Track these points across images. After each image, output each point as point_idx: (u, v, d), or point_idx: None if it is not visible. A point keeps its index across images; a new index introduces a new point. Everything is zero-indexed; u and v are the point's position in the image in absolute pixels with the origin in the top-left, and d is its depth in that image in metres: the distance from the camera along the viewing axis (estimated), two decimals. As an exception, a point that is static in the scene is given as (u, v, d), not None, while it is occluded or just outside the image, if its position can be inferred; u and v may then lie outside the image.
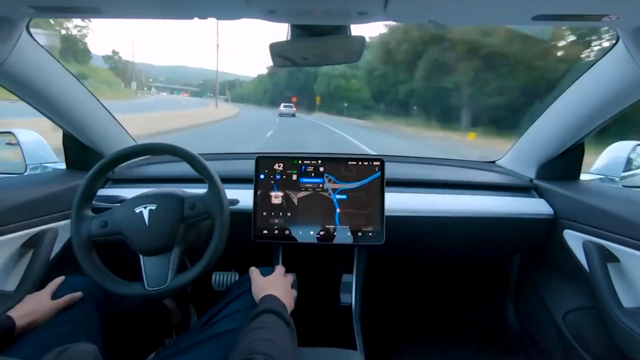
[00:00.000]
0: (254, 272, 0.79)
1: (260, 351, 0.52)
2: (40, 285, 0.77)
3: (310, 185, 0.99)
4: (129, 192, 0.87)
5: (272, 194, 0.98)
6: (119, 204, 0.85)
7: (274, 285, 0.74)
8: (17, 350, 0.62)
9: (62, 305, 0.71)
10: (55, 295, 0.73)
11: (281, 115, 22.24)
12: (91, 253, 0.79)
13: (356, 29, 0.72)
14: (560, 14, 0.61)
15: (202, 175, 0.83)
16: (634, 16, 0.63)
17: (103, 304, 0.80)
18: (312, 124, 18.32)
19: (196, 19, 0.66)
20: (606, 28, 0.76)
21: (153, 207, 0.80)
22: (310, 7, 0.61)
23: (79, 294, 0.74)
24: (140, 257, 0.80)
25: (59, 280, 0.78)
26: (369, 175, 0.98)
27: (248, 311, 0.66)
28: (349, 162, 0.99)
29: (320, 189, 0.99)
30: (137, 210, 0.80)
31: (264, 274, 0.79)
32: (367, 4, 0.59)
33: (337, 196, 0.98)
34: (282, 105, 24.08)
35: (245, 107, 39.38)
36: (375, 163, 0.99)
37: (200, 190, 0.89)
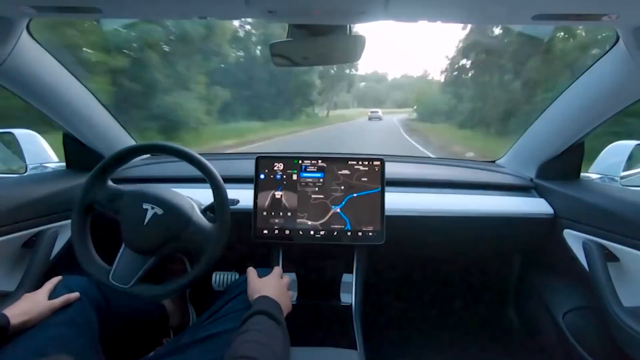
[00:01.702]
0: (251, 273, 0.79)
1: (244, 355, 0.52)
2: (40, 286, 0.77)
3: (310, 180, 0.99)
4: None
5: (273, 193, 0.98)
6: (134, 185, 0.86)
7: (269, 286, 0.74)
8: (11, 350, 0.62)
9: (58, 305, 0.71)
10: (52, 296, 0.73)
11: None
12: (86, 217, 0.81)
13: (356, 29, 0.72)
14: (560, 13, 0.61)
15: (204, 174, 0.83)
16: (634, 16, 0.63)
17: (101, 304, 0.80)
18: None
19: (196, 18, 0.67)
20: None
21: (159, 211, 0.80)
22: (310, 6, 0.61)
23: (75, 294, 0.74)
24: (122, 246, 0.81)
25: (55, 280, 0.77)
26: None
27: (243, 312, 0.66)
28: (349, 162, 0.99)
29: (320, 184, 0.99)
30: (145, 206, 0.80)
31: (261, 275, 0.79)
32: (367, 3, 0.59)
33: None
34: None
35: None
36: (375, 163, 0.99)
37: (201, 191, 0.89)
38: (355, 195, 0.98)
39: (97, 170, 0.83)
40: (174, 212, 0.81)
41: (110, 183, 0.85)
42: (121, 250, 0.80)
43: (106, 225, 0.83)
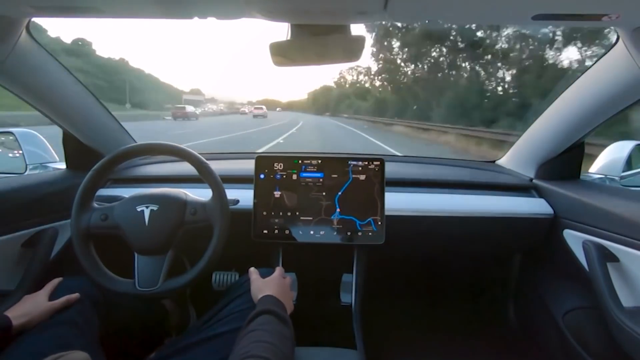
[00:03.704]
0: (253, 272, 0.79)
1: (255, 354, 0.52)
2: (40, 285, 0.77)
3: (310, 179, 0.99)
4: (129, 192, 0.87)
5: (272, 193, 0.98)
6: (121, 200, 0.85)
7: (272, 286, 0.74)
8: (13, 351, 0.62)
9: (59, 306, 0.71)
10: (52, 297, 0.73)
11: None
12: (88, 244, 0.80)
13: (356, 29, 0.72)
14: (560, 13, 0.61)
15: (203, 176, 0.83)
16: (634, 16, 0.63)
17: (101, 305, 0.80)
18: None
19: (196, 18, 0.66)
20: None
21: (155, 207, 0.80)
22: (310, 6, 0.61)
23: (75, 295, 0.74)
24: (135, 255, 0.80)
25: (56, 281, 0.78)
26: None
27: (247, 312, 0.66)
28: (349, 162, 0.99)
29: (320, 184, 0.99)
30: (139, 208, 0.80)
31: (263, 275, 0.79)
32: (367, 3, 0.59)
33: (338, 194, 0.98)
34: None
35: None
36: (375, 163, 0.99)
37: (201, 190, 0.89)
38: (355, 195, 0.98)
39: (79, 197, 0.81)
40: (168, 202, 0.82)
41: (95, 204, 0.84)
42: (135, 259, 0.80)
43: (106, 242, 0.83)
